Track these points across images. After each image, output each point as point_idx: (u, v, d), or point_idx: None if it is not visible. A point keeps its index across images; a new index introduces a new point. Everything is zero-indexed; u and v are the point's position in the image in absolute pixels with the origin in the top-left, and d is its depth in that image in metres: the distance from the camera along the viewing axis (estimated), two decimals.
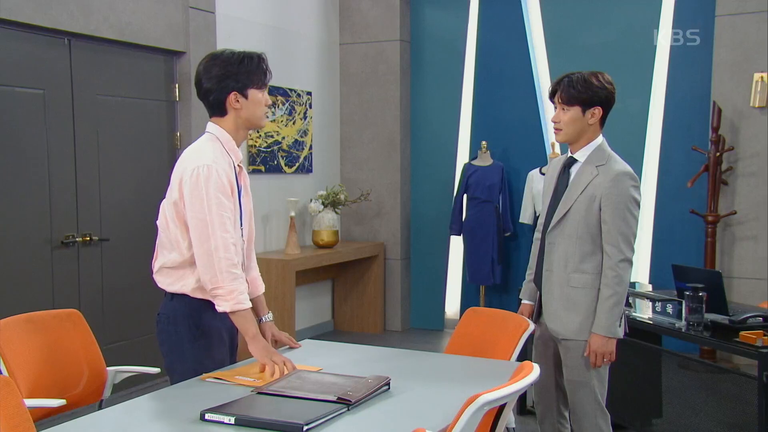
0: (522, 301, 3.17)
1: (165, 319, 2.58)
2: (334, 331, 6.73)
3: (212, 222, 2.44)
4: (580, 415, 2.89)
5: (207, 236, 2.44)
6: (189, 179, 2.45)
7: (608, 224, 2.77)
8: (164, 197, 2.58)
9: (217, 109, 2.58)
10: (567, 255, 2.85)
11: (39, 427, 1.99)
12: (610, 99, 2.83)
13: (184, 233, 2.50)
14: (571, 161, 2.91)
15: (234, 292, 2.45)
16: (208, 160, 2.46)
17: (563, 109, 2.85)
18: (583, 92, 2.80)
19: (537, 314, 3.04)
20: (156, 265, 2.61)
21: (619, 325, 2.81)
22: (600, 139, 2.87)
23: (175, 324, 2.55)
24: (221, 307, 2.46)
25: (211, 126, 2.60)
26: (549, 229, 2.91)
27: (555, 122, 2.90)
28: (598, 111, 2.81)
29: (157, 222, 2.61)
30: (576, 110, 2.82)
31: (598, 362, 2.80)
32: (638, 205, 2.81)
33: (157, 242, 2.64)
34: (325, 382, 2.32)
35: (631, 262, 2.80)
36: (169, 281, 2.57)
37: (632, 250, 2.79)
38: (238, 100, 2.55)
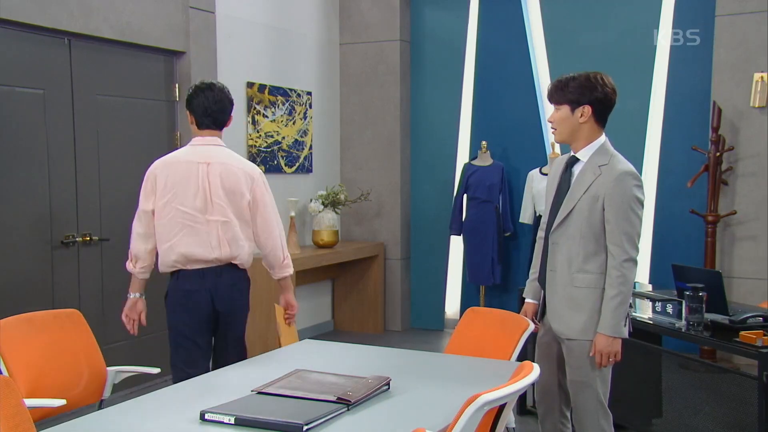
0: (526, 300, 3.17)
1: (246, 286, 3.30)
2: (334, 331, 6.73)
3: (276, 213, 3.31)
4: (582, 415, 2.89)
5: (277, 223, 3.29)
6: (261, 182, 3.25)
7: (612, 224, 2.77)
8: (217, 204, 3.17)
9: (221, 125, 3.28)
10: (571, 255, 2.84)
11: (39, 427, 1.99)
12: (601, 99, 2.81)
13: (250, 225, 3.24)
14: (574, 160, 2.91)
15: (288, 258, 3.35)
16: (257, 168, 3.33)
17: (556, 109, 2.88)
18: (570, 92, 2.82)
19: (541, 314, 3.04)
20: (245, 252, 3.21)
21: (624, 325, 2.80)
22: (602, 138, 2.87)
23: (248, 290, 3.32)
24: (287, 272, 3.35)
25: (219, 140, 3.27)
26: (552, 229, 2.91)
27: (550, 122, 2.94)
28: (587, 110, 2.81)
29: (224, 220, 3.15)
30: (565, 109, 2.84)
31: (604, 362, 2.78)
32: (642, 204, 2.81)
33: (222, 238, 3.15)
34: (325, 382, 2.33)
35: (635, 262, 2.79)
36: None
37: (636, 250, 2.79)
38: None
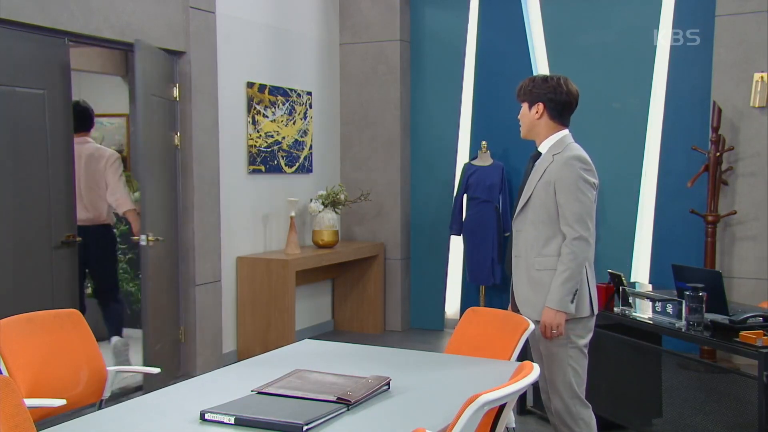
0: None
1: (111, 240, 5.21)
2: (334, 331, 6.73)
3: (120, 181, 5.13)
4: (557, 402, 2.98)
5: (117, 185, 5.09)
6: (112, 161, 5.05)
7: (563, 206, 2.91)
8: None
9: (89, 128, 5.01)
10: (531, 240, 2.98)
11: (39, 427, 1.99)
12: (553, 99, 2.99)
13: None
14: (537, 155, 3.08)
15: (125, 204, 5.11)
16: None
17: (522, 106, 3.10)
18: (528, 91, 3.04)
19: (512, 306, 3.12)
20: (104, 213, 5.10)
21: (572, 302, 2.88)
22: (563, 132, 3.03)
23: (113, 243, 5.31)
24: (120, 210, 5.13)
25: (87, 138, 4.95)
26: (515, 216, 3.07)
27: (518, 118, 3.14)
28: (540, 107, 3.01)
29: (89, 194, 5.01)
30: (525, 106, 3.08)
31: (548, 334, 2.90)
32: (591, 185, 2.93)
33: (87, 205, 4.92)
34: (325, 382, 2.33)
35: (587, 241, 2.89)
36: None
37: (588, 229, 2.89)
38: None
